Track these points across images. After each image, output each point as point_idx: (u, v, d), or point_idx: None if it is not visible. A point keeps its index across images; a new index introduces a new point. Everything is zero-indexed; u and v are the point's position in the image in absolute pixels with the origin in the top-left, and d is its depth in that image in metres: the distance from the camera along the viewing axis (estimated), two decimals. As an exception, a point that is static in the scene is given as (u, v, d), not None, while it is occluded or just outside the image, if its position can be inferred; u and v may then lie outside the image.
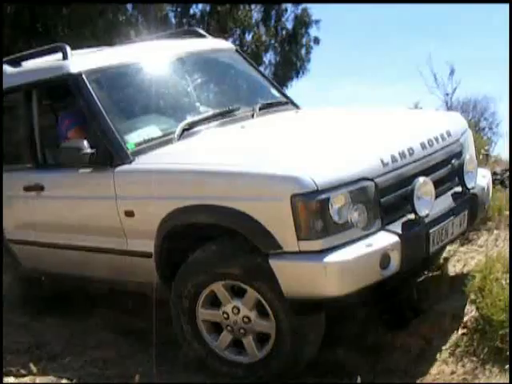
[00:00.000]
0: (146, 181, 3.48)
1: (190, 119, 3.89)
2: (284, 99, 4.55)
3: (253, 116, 4.10)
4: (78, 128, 4.21)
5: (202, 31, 4.83)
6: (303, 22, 19.05)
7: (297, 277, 2.92)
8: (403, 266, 3.03)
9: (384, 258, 2.94)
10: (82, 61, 4.00)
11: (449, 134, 3.56)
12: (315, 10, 15.38)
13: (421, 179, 3.11)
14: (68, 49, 4.04)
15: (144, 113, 4.02)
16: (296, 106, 4.55)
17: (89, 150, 3.64)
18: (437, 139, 3.44)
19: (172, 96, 4.14)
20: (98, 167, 3.67)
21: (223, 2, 13.27)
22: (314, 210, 2.84)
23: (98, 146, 3.67)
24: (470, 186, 3.45)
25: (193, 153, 3.51)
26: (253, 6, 18.14)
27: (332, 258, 2.86)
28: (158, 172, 3.44)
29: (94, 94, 3.81)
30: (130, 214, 3.53)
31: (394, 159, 3.15)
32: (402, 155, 3.20)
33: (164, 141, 3.75)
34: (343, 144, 3.27)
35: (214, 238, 3.27)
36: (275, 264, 2.95)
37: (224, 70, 4.57)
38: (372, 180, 3.01)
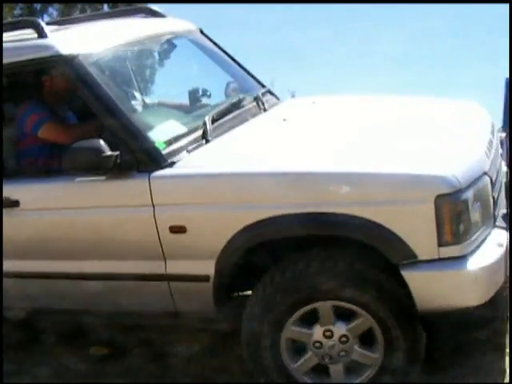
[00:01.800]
0: (209, 188, 2.79)
1: (212, 112, 3.27)
2: (262, 87, 4.09)
3: (262, 107, 3.62)
4: (51, 124, 3.34)
5: (158, 9, 4.12)
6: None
7: (436, 287, 2.57)
8: None
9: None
10: (71, 40, 3.14)
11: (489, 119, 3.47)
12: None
13: None
14: (43, 24, 3.14)
15: (150, 105, 3.30)
16: (275, 96, 4.11)
17: (110, 152, 2.85)
18: (493, 127, 3.33)
19: (175, 83, 3.46)
20: (120, 173, 2.89)
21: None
22: (458, 212, 2.52)
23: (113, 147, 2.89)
24: None
25: (264, 152, 2.93)
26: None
27: (479, 263, 2.56)
28: (232, 176, 2.77)
29: (99, 82, 3.00)
30: (178, 229, 2.82)
31: (489, 150, 2.95)
32: (489, 146, 3.02)
33: (195, 138, 3.10)
34: (444, 137, 2.97)
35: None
36: (410, 275, 2.56)
37: (207, 54, 3.94)
38: (487, 174, 2.78)
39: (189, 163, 2.92)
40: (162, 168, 2.88)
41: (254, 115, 3.50)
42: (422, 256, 2.56)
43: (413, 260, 2.56)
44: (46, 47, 3.06)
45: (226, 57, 4.10)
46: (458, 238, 2.54)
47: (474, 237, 2.60)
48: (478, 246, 2.64)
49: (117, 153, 2.85)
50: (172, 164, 2.90)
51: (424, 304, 2.60)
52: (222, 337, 3.41)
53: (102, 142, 2.86)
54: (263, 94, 3.84)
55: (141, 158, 2.90)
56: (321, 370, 2.87)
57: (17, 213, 3.11)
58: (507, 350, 3.06)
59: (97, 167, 2.87)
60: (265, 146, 3.03)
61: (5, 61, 3.10)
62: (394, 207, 2.55)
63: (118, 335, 3.57)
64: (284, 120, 3.32)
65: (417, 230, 2.55)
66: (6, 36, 3.22)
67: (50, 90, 3.44)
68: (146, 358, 3.49)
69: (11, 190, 3.12)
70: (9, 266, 3.16)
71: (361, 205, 2.57)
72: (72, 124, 3.46)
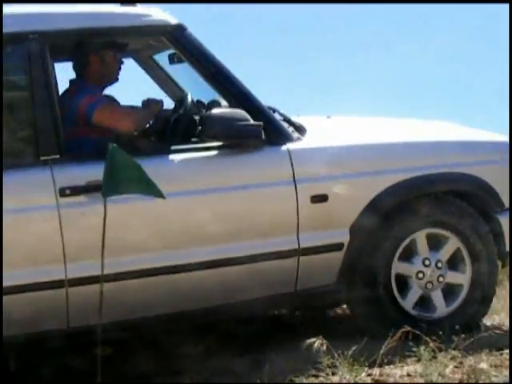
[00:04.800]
0: (346, 158, 2.98)
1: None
2: None
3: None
4: (107, 106, 2.97)
5: None
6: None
7: None
8: None
9: None
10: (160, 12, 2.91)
11: None
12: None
13: None
14: None
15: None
16: None
17: (256, 122, 2.77)
18: None
19: None
20: (259, 145, 2.83)
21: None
22: None
23: None
24: None
25: (366, 130, 3.26)
26: None
27: None
28: (361, 147, 3.03)
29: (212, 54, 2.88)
30: (320, 199, 2.88)
31: None
32: None
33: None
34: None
35: None
36: (503, 219, 3.19)
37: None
38: None
39: (313, 139, 3.02)
40: (292, 142, 2.92)
41: None
42: (506, 205, 3.24)
43: (502, 208, 3.23)
44: (150, 15, 2.81)
45: None
46: None
47: None
48: None
49: (261, 123, 2.79)
50: (299, 139, 2.96)
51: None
52: (227, 337, 3.27)
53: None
54: None
55: (271, 131, 2.88)
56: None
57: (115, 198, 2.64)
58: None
59: (246, 136, 2.76)
60: (356, 127, 3.32)
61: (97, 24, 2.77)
62: (492, 167, 3.20)
63: (122, 335, 3.15)
64: (328, 117, 3.61)
65: (504, 184, 3.22)
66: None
67: (97, 71, 3.01)
68: (151, 358, 3.14)
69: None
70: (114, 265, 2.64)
71: (473, 165, 3.14)
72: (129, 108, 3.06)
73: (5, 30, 2.61)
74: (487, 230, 3.20)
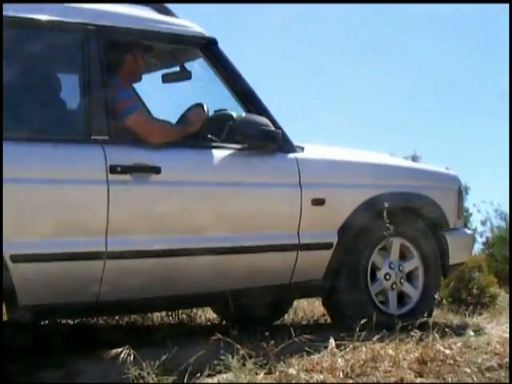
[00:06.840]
0: (339, 170, 3.48)
1: None
2: None
3: None
4: (143, 114, 3.28)
5: None
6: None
7: (458, 246, 3.89)
8: None
9: None
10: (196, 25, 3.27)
11: None
12: None
13: None
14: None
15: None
16: None
17: (276, 130, 3.19)
18: None
19: None
20: (277, 150, 3.26)
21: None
22: (462, 198, 4.00)
23: None
24: None
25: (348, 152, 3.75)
26: None
27: (469, 231, 4.07)
28: (350, 163, 3.56)
29: (237, 68, 3.27)
30: (319, 202, 3.33)
31: None
32: None
33: None
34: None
35: None
36: (449, 237, 3.80)
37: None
38: None
39: (311, 152, 3.47)
40: (295, 152, 3.37)
41: None
42: (450, 225, 3.89)
43: (447, 228, 3.86)
44: (189, 26, 3.18)
45: None
46: (462, 214, 4.01)
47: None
48: None
49: (280, 130, 3.20)
50: (302, 149, 3.41)
51: (453, 259, 3.87)
52: (37, 349, 3.17)
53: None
54: None
55: (283, 140, 3.29)
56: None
57: (156, 181, 2.95)
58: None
59: (269, 140, 3.16)
60: (337, 151, 3.78)
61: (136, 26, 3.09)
62: (443, 192, 3.86)
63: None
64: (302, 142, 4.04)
65: (450, 208, 3.89)
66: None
67: (129, 70, 3.26)
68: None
69: (149, 157, 2.94)
70: (150, 242, 2.91)
71: (428, 189, 3.77)
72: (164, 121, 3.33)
73: (68, 19, 2.85)
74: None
